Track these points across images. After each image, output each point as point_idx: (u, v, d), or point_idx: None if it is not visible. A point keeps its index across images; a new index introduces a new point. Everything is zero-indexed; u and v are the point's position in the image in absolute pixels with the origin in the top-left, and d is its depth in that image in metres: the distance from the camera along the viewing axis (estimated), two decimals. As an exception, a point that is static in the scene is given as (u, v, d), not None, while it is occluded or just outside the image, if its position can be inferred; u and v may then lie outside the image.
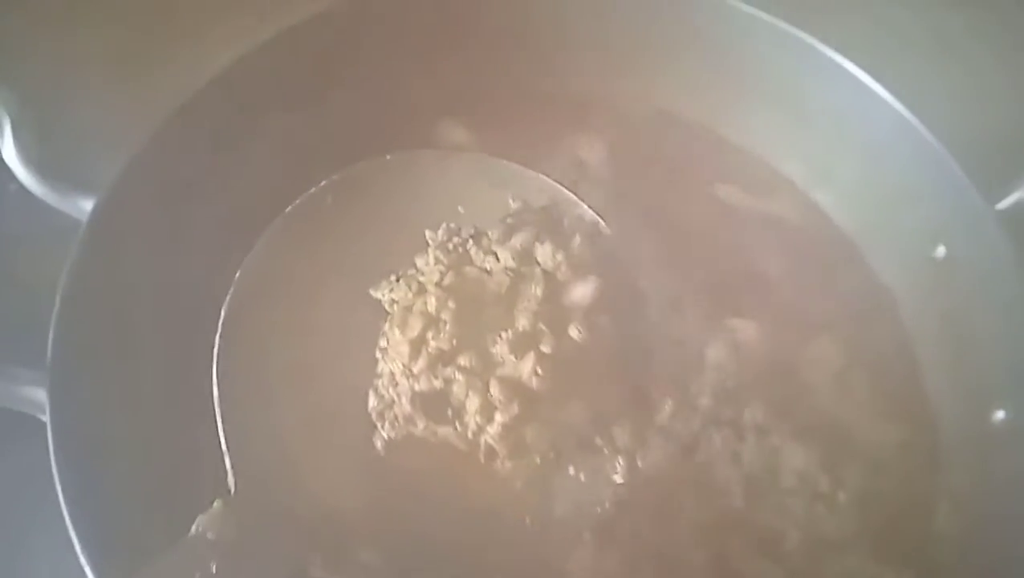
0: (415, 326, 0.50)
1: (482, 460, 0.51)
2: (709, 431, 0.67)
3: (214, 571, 0.46)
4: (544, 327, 0.50)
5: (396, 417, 0.51)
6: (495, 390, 0.48)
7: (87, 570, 0.53)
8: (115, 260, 0.62)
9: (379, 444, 0.52)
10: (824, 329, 0.73)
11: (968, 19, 0.84)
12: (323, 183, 0.62)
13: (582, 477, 0.55)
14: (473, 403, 0.49)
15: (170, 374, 0.64)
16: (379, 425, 0.52)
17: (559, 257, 0.52)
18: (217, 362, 0.54)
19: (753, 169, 0.81)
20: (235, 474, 0.50)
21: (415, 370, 0.50)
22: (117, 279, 0.62)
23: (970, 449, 0.65)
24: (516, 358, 0.49)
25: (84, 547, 0.53)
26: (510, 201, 0.62)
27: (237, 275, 0.59)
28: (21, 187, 0.63)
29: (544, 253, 0.52)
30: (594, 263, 0.56)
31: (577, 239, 0.55)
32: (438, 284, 0.50)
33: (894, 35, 0.77)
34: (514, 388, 0.49)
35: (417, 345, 0.50)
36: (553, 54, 0.80)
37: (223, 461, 0.51)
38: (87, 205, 0.62)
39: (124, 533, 0.55)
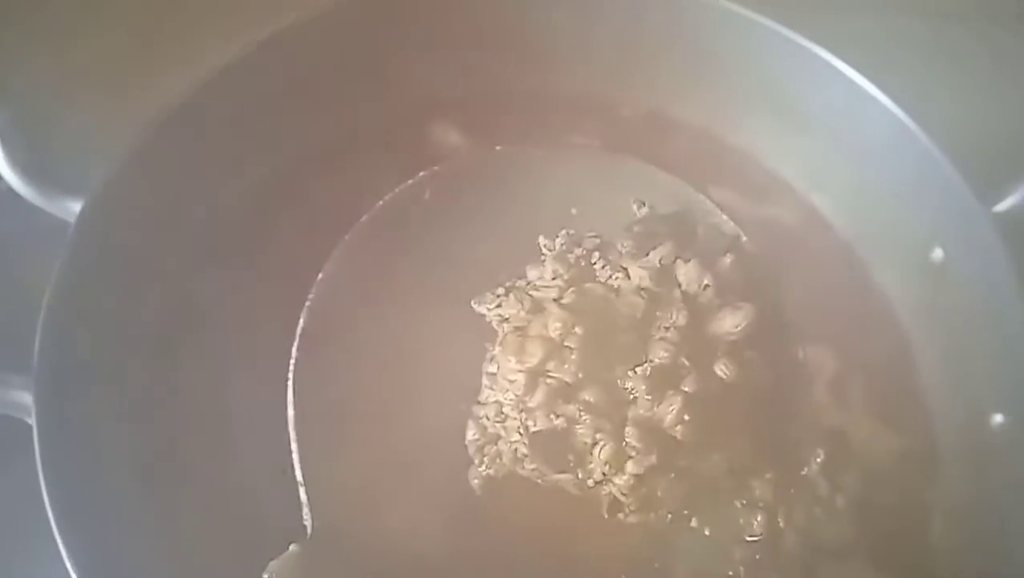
0: (534, 353, 0.41)
1: (603, 513, 0.43)
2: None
3: None
4: (686, 361, 0.42)
5: (499, 454, 0.43)
6: (632, 437, 0.40)
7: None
8: (104, 263, 0.62)
9: (475, 483, 0.44)
10: (822, 333, 0.72)
11: (965, 23, 0.84)
12: (421, 174, 0.56)
13: (707, 532, 0.47)
14: (603, 450, 0.41)
15: (166, 382, 0.64)
16: (477, 461, 0.44)
17: (705, 280, 0.44)
18: (293, 381, 0.47)
19: (749, 172, 0.81)
20: (312, 513, 0.43)
21: (531, 404, 0.42)
22: (106, 282, 0.62)
23: (968, 456, 0.65)
24: (653, 399, 0.41)
25: (71, 556, 0.53)
26: (633, 206, 0.55)
27: (318, 277, 0.54)
28: (9, 189, 0.62)
29: (687, 274, 0.44)
30: (743, 288, 0.47)
31: (727, 259, 0.47)
32: (558, 302, 0.42)
33: (890, 38, 0.77)
34: (654, 435, 0.40)
35: (535, 375, 0.41)
36: (544, 55, 0.79)
37: (297, 497, 0.45)
38: (76, 207, 0.61)
39: (113, 545, 0.55)
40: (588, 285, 0.44)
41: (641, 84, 0.82)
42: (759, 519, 0.48)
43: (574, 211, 0.51)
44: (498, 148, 0.58)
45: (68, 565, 0.53)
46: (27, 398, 0.56)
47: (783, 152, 0.80)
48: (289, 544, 0.45)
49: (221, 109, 0.67)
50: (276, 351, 0.61)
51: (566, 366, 0.41)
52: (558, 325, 0.41)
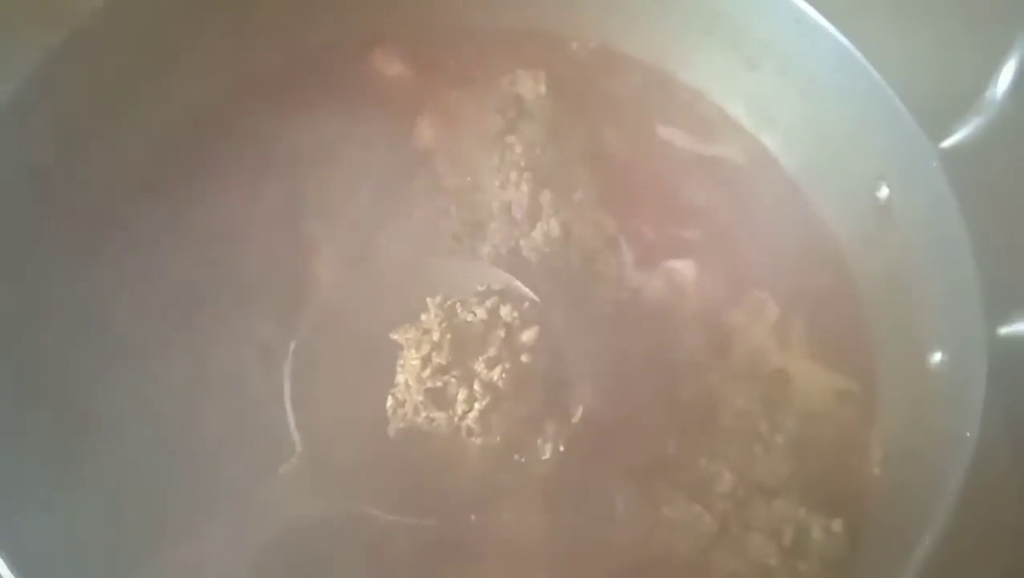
0: (424, 347, 0.61)
1: (463, 437, 0.60)
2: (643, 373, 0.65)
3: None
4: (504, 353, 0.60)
5: (406, 413, 0.61)
6: (476, 386, 0.60)
7: None
8: (17, 178, 0.60)
9: (392, 433, 0.61)
10: (766, 273, 0.71)
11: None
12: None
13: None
14: (462, 394, 0.60)
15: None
16: (393, 419, 0.61)
17: (515, 315, 0.61)
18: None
19: (700, 110, 0.79)
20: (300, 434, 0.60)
21: (424, 376, 0.60)
22: (19, 199, 0.60)
23: (906, 396, 0.64)
24: (488, 370, 0.60)
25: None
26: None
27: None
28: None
29: (505, 311, 0.61)
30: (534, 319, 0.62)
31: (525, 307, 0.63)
32: (439, 326, 0.61)
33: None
34: (488, 387, 0.60)
35: (425, 361, 0.60)
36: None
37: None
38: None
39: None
40: (455, 320, 0.61)
41: (590, 17, 0.80)
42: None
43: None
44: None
45: None
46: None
47: (733, 89, 0.78)
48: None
49: (144, 23, 0.65)
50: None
51: (442, 355, 0.60)
52: (436, 335, 0.60)
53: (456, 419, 0.60)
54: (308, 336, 0.63)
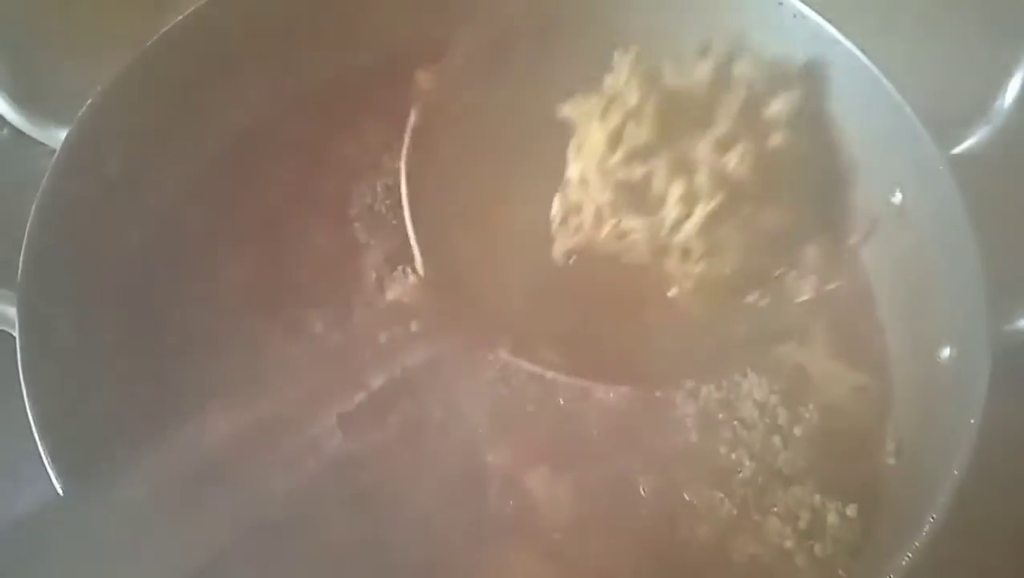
0: (614, 117, 0.47)
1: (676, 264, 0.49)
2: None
3: (413, 329, 0.50)
4: (746, 133, 0.48)
5: (581, 225, 0.49)
6: (701, 179, 0.46)
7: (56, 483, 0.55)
8: (88, 188, 0.64)
9: (558, 256, 0.51)
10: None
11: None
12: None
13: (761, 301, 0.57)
14: (677, 189, 0.47)
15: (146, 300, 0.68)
16: (561, 235, 0.51)
17: (759, 71, 0.50)
18: (407, 182, 0.53)
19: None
20: (424, 258, 0.50)
21: (611, 163, 0.47)
22: (89, 206, 0.64)
23: (917, 389, 0.67)
24: (718, 153, 0.47)
25: (55, 467, 0.55)
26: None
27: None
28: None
29: (741, 69, 0.50)
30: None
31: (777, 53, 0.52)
32: (638, 88, 0.47)
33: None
34: (720, 179, 0.47)
35: (614, 137, 0.46)
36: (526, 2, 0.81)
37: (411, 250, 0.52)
38: (62, 135, 0.64)
39: (95, 455, 0.57)
40: (663, 81, 0.48)
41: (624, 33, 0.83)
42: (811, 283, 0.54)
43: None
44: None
45: (51, 475, 0.55)
46: (11, 311, 0.59)
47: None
48: None
49: (200, 46, 0.69)
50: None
51: (643, 128, 0.46)
52: (635, 95, 0.46)
53: (665, 231, 0.49)
54: None
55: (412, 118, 0.56)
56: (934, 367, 0.64)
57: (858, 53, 0.70)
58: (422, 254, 0.51)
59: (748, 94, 0.49)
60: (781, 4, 0.72)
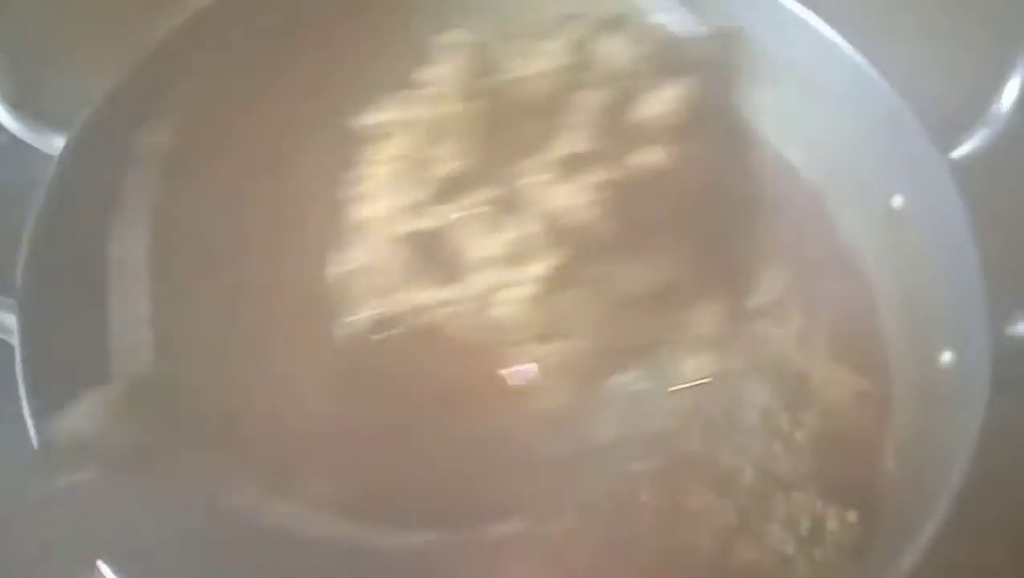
0: (421, 134, 0.32)
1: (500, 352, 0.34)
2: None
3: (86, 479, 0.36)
4: (607, 148, 0.30)
5: (379, 289, 0.34)
6: (532, 227, 0.30)
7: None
8: (87, 194, 0.64)
9: (341, 332, 0.36)
10: (788, 281, 0.74)
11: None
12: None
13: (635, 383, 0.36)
14: (495, 244, 0.30)
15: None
16: (342, 304, 0.36)
17: (633, 52, 0.31)
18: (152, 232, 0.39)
19: (725, 125, 0.82)
20: (157, 352, 0.36)
21: (406, 204, 0.32)
22: (88, 212, 0.64)
23: (918, 394, 0.67)
24: (557, 186, 0.30)
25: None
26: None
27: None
28: (-1, 127, 0.65)
29: (610, 49, 0.31)
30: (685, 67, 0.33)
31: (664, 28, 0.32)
32: (448, 96, 0.32)
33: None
34: (560, 227, 0.30)
35: (416, 167, 0.32)
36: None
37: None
38: (61, 142, 0.64)
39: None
40: (491, 76, 0.33)
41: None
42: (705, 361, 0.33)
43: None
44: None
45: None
46: (11, 320, 0.59)
47: (757, 105, 0.81)
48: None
49: (203, 48, 0.69)
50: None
51: (453, 158, 0.32)
52: (445, 111, 0.31)
53: (473, 298, 0.33)
54: None
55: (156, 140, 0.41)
56: (935, 371, 0.64)
57: (856, 55, 0.70)
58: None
59: (616, 90, 0.32)
60: (777, 4, 0.73)
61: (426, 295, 0.33)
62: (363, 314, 0.35)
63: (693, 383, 0.35)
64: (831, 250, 0.76)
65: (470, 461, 0.36)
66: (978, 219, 0.63)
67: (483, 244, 0.32)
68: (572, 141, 0.33)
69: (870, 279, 0.74)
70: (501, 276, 0.32)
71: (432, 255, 0.33)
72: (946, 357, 0.64)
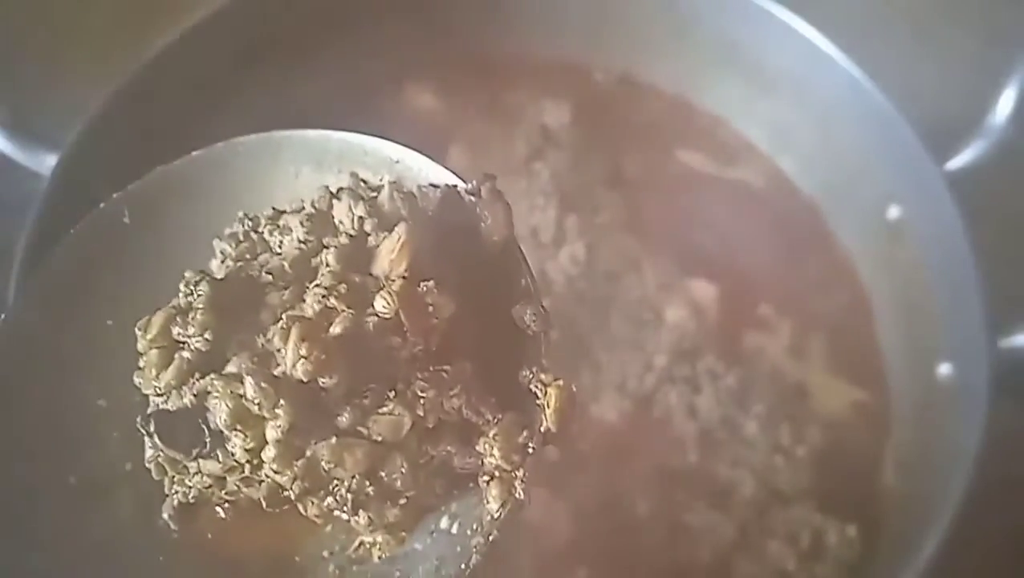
0: (153, 323, 0.35)
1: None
2: (665, 388, 0.68)
3: None
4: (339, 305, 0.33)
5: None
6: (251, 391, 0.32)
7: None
8: (78, 213, 0.64)
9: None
10: (784, 291, 0.74)
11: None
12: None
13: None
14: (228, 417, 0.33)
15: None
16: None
17: (360, 212, 0.36)
18: None
19: (717, 135, 0.82)
20: None
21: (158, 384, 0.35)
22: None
23: (916, 406, 0.67)
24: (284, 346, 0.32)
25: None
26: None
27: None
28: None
29: (341, 209, 0.36)
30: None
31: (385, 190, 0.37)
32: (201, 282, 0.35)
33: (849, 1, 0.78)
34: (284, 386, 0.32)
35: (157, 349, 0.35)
36: (518, 19, 0.81)
37: None
38: (52, 162, 0.64)
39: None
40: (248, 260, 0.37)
41: (613, 48, 0.83)
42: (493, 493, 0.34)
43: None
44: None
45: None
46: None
47: (752, 116, 0.81)
48: None
49: (190, 69, 0.69)
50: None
51: (193, 330, 0.34)
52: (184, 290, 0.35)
53: (233, 468, 0.34)
54: None
55: None
56: (933, 383, 0.64)
57: (852, 67, 0.69)
58: None
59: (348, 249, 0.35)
60: (772, 17, 0.72)
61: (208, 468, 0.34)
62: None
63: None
64: (827, 261, 0.76)
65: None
66: (975, 230, 0.62)
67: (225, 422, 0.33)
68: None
69: (867, 290, 0.74)
70: (245, 447, 0.33)
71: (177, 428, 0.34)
72: (944, 369, 0.63)
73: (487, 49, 0.83)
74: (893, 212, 0.70)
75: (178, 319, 0.35)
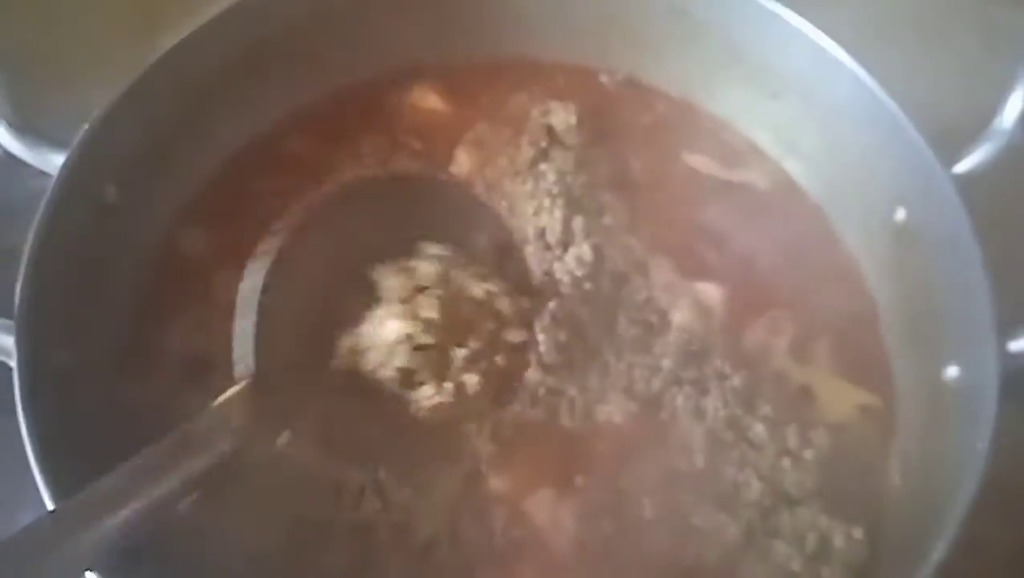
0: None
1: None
2: (672, 390, 0.68)
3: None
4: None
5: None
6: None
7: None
8: (83, 213, 0.64)
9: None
10: (791, 293, 0.74)
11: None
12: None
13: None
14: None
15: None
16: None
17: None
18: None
19: (723, 138, 0.82)
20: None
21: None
22: (85, 231, 0.64)
23: (924, 409, 0.66)
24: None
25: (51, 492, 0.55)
26: None
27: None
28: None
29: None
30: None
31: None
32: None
33: (855, 4, 0.78)
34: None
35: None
36: (524, 21, 0.81)
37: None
38: (58, 161, 0.64)
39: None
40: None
41: (619, 51, 0.83)
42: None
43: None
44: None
45: (47, 502, 0.54)
46: (9, 341, 0.58)
47: (757, 118, 0.81)
48: None
49: (195, 69, 0.69)
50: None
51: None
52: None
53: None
54: None
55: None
56: (940, 386, 0.64)
57: (860, 70, 0.69)
58: None
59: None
60: (779, 19, 0.72)
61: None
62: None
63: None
64: (834, 264, 0.76)
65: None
66: (982, 233, 0.62)
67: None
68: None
69: (873, 293, 0.74)
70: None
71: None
72: (951, 372, 0.63)
73: (493, 51, 0.83)
74: (900, 215, 0.70)
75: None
